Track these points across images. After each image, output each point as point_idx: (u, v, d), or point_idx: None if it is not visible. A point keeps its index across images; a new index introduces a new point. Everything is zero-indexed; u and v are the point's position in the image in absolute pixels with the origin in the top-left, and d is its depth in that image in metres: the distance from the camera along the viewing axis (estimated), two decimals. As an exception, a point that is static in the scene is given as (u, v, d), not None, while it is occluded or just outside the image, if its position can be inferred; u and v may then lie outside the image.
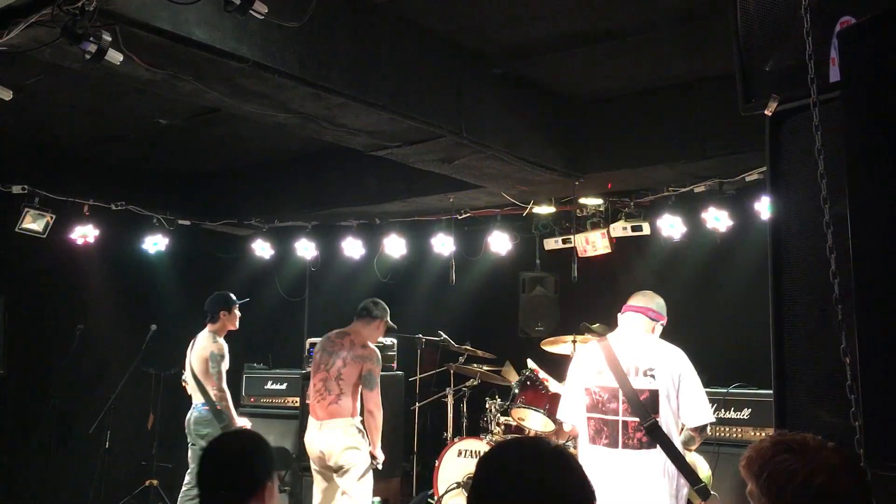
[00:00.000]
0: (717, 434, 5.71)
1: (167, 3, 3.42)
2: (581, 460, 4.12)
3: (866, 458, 1.86)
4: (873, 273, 1.83)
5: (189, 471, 6.33)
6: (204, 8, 3.58)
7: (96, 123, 6.76)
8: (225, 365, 6.22)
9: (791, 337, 2.49)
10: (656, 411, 3.97)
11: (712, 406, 5.73)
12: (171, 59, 3.95)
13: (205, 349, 6.22)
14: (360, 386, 5.48)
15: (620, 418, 4.02)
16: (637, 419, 3.97)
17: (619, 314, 4.37)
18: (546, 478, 1.67)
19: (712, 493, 4.12)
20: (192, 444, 6.26)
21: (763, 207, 5.84)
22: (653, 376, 4.02)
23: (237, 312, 6.42)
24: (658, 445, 3.94)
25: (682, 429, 4.13)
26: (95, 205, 7.46)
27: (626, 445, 3.99)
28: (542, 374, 5.94)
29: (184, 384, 6.58)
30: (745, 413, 5.70)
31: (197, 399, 6.30)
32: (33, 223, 6.88)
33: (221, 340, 6.27)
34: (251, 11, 3.31)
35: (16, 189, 6.87)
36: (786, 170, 2.59)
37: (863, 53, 1.86)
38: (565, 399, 4.42)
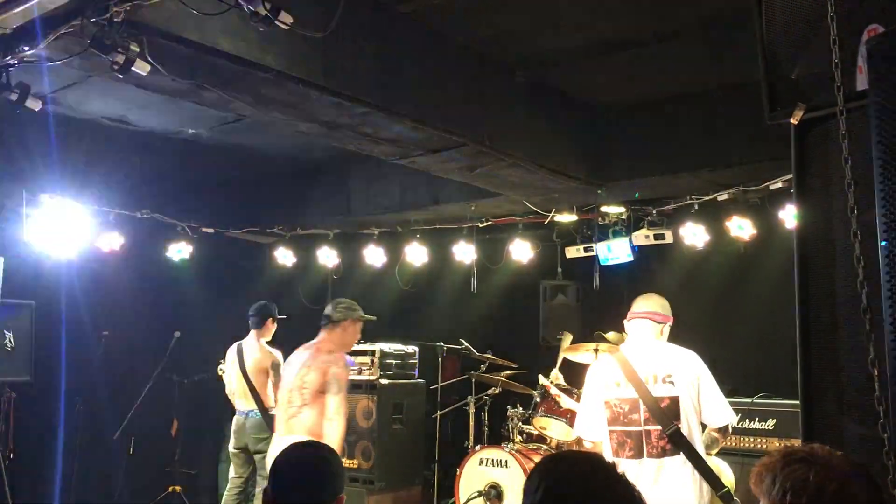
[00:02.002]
0: (742, 445, 5.67)
1: (194, 15, 3.46)
2: None
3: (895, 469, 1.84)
4: (902, 283, 1.81)
5: (236, 475, 6.38)
6: (230, 19, 3.62)
7: (123, 132, 6.84)
8: None
9: (818, 347, 2.47)
10: (678, 417, 3.97)
11: (737, 416, 5.74)
12: (197, 70, 3.99)
13: (264, 360, 6.39)
14: (325, 394, 4.93)
15: (643, 428, 4.00)
16: (660, 427, 3.95)
17: (625, 322, 4.36)
18: (614, 497, 1.73)
19: (735, 499, 4.09)
20: (241, 449, 6.34)
21: (787, 216, 5.79)
22: (672, 382, 4.02)
23: (275, 324, 6.65)
24: (682, 452, 3.92)
25: (705, 431, 4.11)
26: (121, 213, 7.55)
27: (650, 455, 3.97)
28: (553, 391, 5.94)
29: (220, 372, 6.68)
30: (770, 423, 5.65)
31: (248, 405, 6.38)
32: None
33: (276, 351, 6.45)
34: (277, 22, 3.34)
35: (43, 198, 6.95)
36: (812, 178, 2.57)
37: (891, 62, 1.85)
38: (583, 415, 4.37)
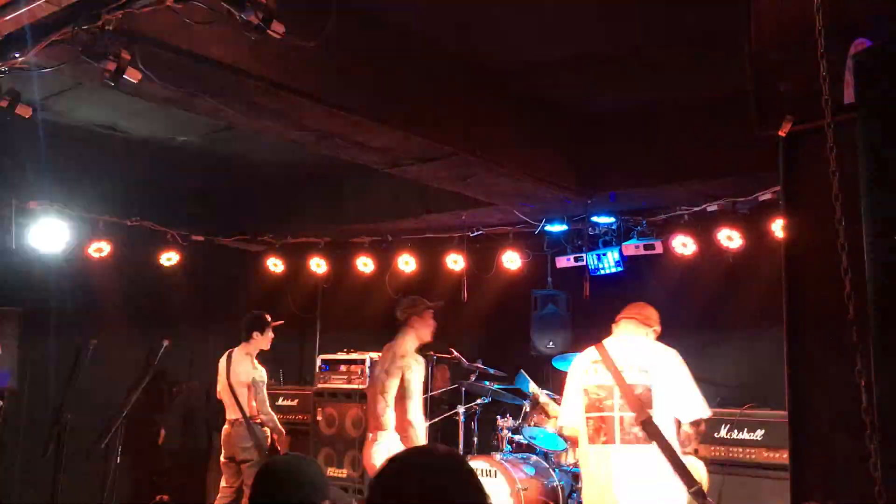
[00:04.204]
0: (731, 456, 5.68)
1: (185, 23, 3.46)
2: (581, 461, 4.20)
3: (884, 481, 1.85)
4: (889, 294, 1.83)
5: (227, 485, 6.37)
6: (221, 27, 3.62)
7: (113, 139, 6.83)
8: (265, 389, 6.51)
9: (806, 359, 2.48)
10: (650, 406, 4.07)
11: (725, 426, 5.76)
12: (188, 78, 4.00)
13: (246, 374, 6.46)
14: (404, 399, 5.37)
15: (617, 414, 4.11)
16: (633, 414, 4.06)
17: (613, 325, 4.50)
18: (430, 483, 1.74)
19: (709, 499, 4.14)
20: (230, 459, 6.34)
21: (776, 227, 5.83)
22: (647, 372, 4.13)
23: (270, 334, 6.63)
24: (654, 442, 4.01)
25: (679, 428, 4.19)
26: (110, 220, 7.51)
27: (623, 441, 4.07)
28: (542, 399, 6.00)
29: (218, 396, 6.67)
30: (759, 434, 5.66)
31: (234, 414, 6.40)
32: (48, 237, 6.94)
33: (260, 367, 6.48)
34: (269, 31, 3.34)
35: (32, 204, 6.93)
36: (800, 191, 2.59)
37: (879, 76, 1.87)
38: (563, 405, 4.53)
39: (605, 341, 4.38)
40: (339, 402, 7.58)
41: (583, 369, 4.36)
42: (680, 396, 4.11)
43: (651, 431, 4.01)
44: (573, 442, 4.76)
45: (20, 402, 7.14)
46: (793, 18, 2.57)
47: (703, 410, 4.16)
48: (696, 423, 4.20)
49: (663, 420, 4.06)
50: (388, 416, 5.36)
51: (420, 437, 5.28)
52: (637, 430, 4.04)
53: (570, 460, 6.06)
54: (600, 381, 4.22)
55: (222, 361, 6.66)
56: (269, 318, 6.71)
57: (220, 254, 8.78)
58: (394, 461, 1.85)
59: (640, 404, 4.06)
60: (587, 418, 4.23)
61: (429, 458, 1.86)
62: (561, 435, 5.55)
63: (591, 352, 4.38)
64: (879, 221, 1.86)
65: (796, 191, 2.60)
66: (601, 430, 4.15)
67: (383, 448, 5.26)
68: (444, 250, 7.83)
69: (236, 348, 6.64)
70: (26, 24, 3.41)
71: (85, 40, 3.35)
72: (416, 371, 5.36)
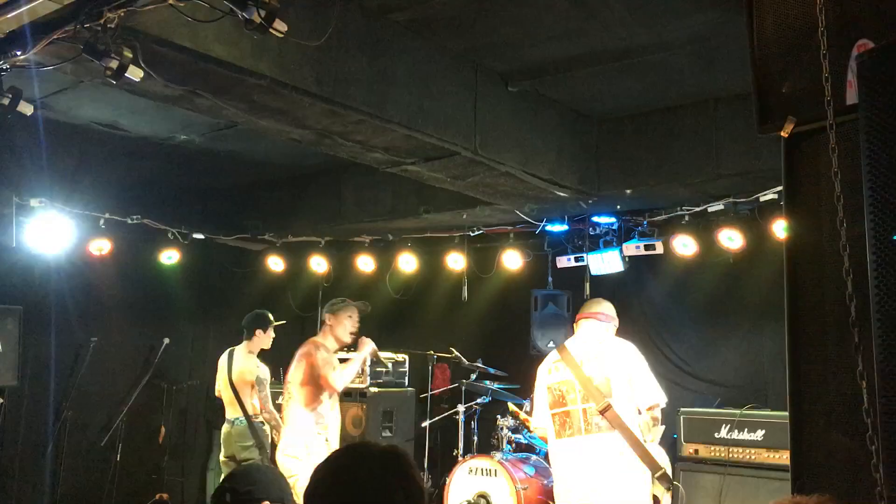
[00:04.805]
0: (731, 456, 5.68)
1: (187, 21, 3.46)
2: (551, 457, 4.43)
3: (885, 482, 1.85)
4: (891, 296, 1.82)
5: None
6: (223, 26, 3.62)
7: (114, 137, 6.82)
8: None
9: (807, 359, 2.48)
10: (610, 394, 4.24)
11: (725, 427, 5.77)
12: (190, 76, 3.99)
13: (250, 372, 6.44)
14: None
15: (580, 406, 4.30)
16: (594, 404, 4.24)
17: (574, 325, 4.72)
18: (375, 479, 1.74)
19: (675, 482, 4.25)
20: (230, 458, 6.33)
21: (778, 227, 5.83)
22: (603, 363, 4.36)
23: (272, 333, 6.64)
24: (616, 430, 4.19)
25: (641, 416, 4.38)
26: (111, 218, 7.52)
27: (588, 431, 4.25)
28: (522, 415, 6.06)
29: (218, 394, 6.67)
30: (759, 434, 5.66)
31: (234, 413, 6.39)
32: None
33: (262, 365, 6.48)
34: (271, 30, 3.34)
35: (33, 202, 6.92)
36: (802, 191, 2.59)
37: (882, 76, 1.86)
38: (535, 407, 4.72)
39: (567, 342, 4.59)
40: (339, 401, 7.56)
41: (546, 370, 4.56)
42: (636, 384, 4.30)
43: (611, 418, 4.19)
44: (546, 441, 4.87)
45: (21, 399, 7.14)
46: (796, 19, 2.56)
47: (659, 397, 4.34)
48: (652, 409, 4.36)
49: (623, 408, 4.24)
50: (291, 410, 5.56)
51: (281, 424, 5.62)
52: (599, 419, 4.21)
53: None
54: (561, 378, 4.42)
55: (223, 359, 6.66)
56: (272, 317, 6.72)
57: (221, 252, 8.78)
58: (330, 459, 1.85)
59: (600, 394, 4.24)
60: (552, 415, 4.42)
61: (366, 454, 1.85)
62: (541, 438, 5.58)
63: (553, 353, 4.60)
64: (882, 222, 1.86)
65: (798, 191, 2.59)
66: (566, 423, 4.33)
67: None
68: (445, 250, 7.83)
69: (238, 346, 6.64)
70: (28, 22, 3.41)
71: (87, 38, 3.34)
72: (321, 358, 5.48)
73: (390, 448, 1.86)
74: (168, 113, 5.72)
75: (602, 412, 4.20)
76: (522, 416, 6.22)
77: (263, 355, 6.81)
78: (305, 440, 5.32)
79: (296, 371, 5.50)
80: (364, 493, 1.72)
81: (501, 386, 6.75)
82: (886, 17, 2.30)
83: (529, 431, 6.11)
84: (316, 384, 5.40)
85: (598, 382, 4.28)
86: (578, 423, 4.28)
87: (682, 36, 4.80)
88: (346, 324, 5.71)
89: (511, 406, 6.33)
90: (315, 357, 5.44)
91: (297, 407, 5.43)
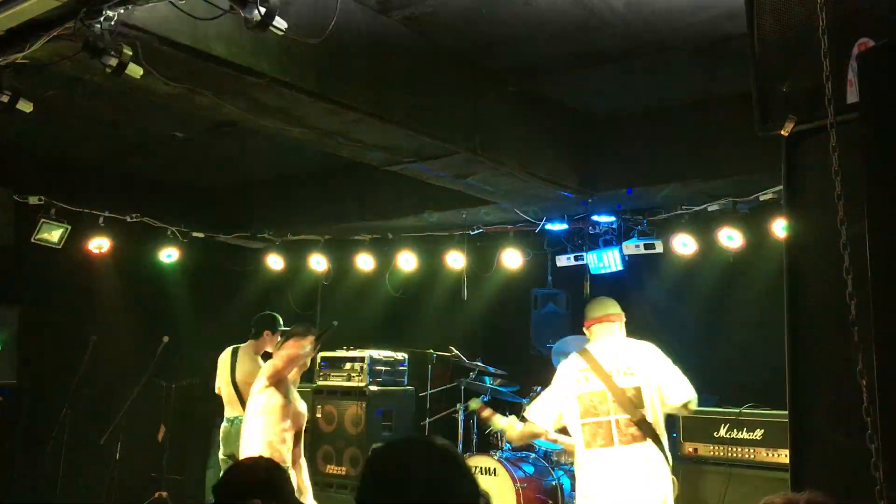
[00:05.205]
0: (730, 455, 5.68)
1: (188, 19, 3.46)
2: (579, 466, 4.40)
3: (885, 481, 1.85)
4: (891, 294, 1.82)
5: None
6: (224, 24, 3.62)
7: (113, 136, 6.83)
8: None
9: (806, 358, 2.48)
10: (642, 405, 4.30)
11: (724, 426, 5.77)
12: (190, 74, 3.99)
13: (253, 374, 6.33)
14: None
15: (612, 417, 4.31)
16: (628, 416, 4.28)
17: (585, 328, 4.69)
18: (434, 477, 1.68)
19: (674, 481, 4.52)
20: (230, 456, 6.28)
21: (777, 227, 5.82)
22: (633, 373, 4.36)
23: (279, 337, 6.53)
24: (649, 439, 4.26)
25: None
26: (110, 216, 7.51)
27: (622, 442, 4.27)
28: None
29: (218, 391, 6.62)
30: (758, 434, 5.66)
31: (234, 412, 6.32)
32: (49, 234, 6.93)
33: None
34: (271, 28, 3.34)
35: (32, 200, 6.93)
36: (802, 191, 2.59)
37: (882, 75, 1.86)
38: (542, 402, 4.69)
39: (589, 347, 4.57)
40: (338, 400, 7.57)
41: (573, 377, 4.52)
42: (666, 386, 4.33)
43: (645, 429, 4.25)
44: (530, 435, 4.91)
45: (20, 398, 7.14)
46: (796, 17, 2.56)
47: (690, 393, 4.37)
48: (685, 407, 4.40)
49: (654, 416, 4.30)
50: None
51: None
52: (633, 429, 4.24)
53: (570, 459, 6.06)
54: (592, 388, 4.41)
55: (225, 357, 6.61)
56: (281, 321, 6.64)
57: (220, 251, 8.78)
58: (392, 455, 1.79)
59: (633, 406, 4.28)
60: (583, 424, 4.40)
61: (428, 452, 1.79)
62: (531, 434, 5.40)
63: (577, 359, 4.55)
64: (882, 221, 1.86)
65: (798, 190, 2.59)
66: (598, 434, 4.33)
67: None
68: (445, 248, 7.83)
69: (242, 345, 6.57)
70: (28, 20, 3.41)
71: (87, 36, 3.34)
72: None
73: (447, 443, 1.83)
74: (168, 111, 5.72)
75: (636, 423, 4.26)
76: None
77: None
78: None
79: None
80: (436, 489, 1.67)
81: (501, 386, 6.75)
82: (887, 16, 2.30)
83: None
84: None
85: (630, 394, 4.31)
86: (611, 434, 4.30)
87: (682, 35, 4.80)
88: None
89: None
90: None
91: None
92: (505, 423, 5.00)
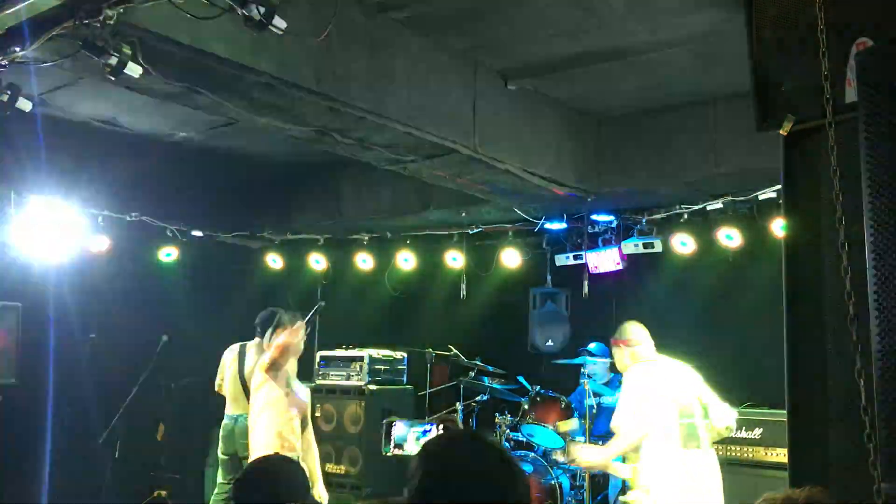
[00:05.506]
0: (729, 454, 5.68)
1: (187, 18, 3.46)
2: (668, 464, 4.61)
3: (883, 479, 1.86)
4: (890, 294, 1.83)
5: (224, 480, 6.28)
6: (223, 22, 3.61)
7: (112, 134, 6.82)
8: None
9: (805, 357, 2.48)
10: (707, 416, 4.72)
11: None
12: (189, 73, 3.99)
13: None
14: None
15: (699, 421, 4.69)
16: (707, 421, 4.71)
17: (634, 348, 4.88)
18: (494, 475, 1.67)
19: None
20: (231, 455, 6.24)
21: (776, 225, 5.83)
22: (693, 388, 4.75)
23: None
24: (712, 448, 4.75)
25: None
26: (110, 215, 7.51)
27: (709, 446, 4.70)
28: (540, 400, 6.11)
29: (218, 389, 6.59)
30: (757, 433, 5.67)
31: (237, 410, 6.27)
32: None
33: None
34: (270, 27, 3.34)
35: (32, 199, 6.92)
36: (800, 189, 2.59)
37: (880, 75, 1.87)
38: (636, 411, 4.72)
39: (660, 362, 4.89)
40: (337, 399, 7.56)
41: (661, 378, 4.77)
42: (713, 408, 4.72)
43: (712, 437, 4.72)
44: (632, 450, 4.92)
45: (19, 396, 7.13)
46: (795, 18, 2.57)
47: (734, 415, 4.81)
48: (728, 428, 4.80)
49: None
50: None
51: None
52: (709, 436, 4.70)
53: (567, 458, 6.05)
54: (684, 391, 4.72)
55: (230, 355, 6.53)
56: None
57: (220, 250, 8.77)
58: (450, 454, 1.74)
59: (704, 413, 4.69)
60: (681, 424, 4.67)
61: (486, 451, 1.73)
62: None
63: (661, 371, 4.81)
64: (880, 220, 1.86)
65: (797, 189, 2.60)
66: (692, 436, 4.65)
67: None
68: (444, 248, 7.83)
69: (249, 342, 6.51)
70: (27, 18, 3.41)
71: (86, 35, 3.34)
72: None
73: (496, 441, 1.81)
74: (167, 110, 5.72)
75: (708, 430, 4.67)
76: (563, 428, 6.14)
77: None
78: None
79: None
80: (495, 490, 1.65)
81: (500, 385, 6.75)
82: (885, 16, 2.30)
83: (546, 415, 6.14)
84: None
85: (699, 405, 4.70)
86: (701, 437, 4.64)
87: (682, 35, 4.80)
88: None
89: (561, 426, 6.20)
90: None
91: None
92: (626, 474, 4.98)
